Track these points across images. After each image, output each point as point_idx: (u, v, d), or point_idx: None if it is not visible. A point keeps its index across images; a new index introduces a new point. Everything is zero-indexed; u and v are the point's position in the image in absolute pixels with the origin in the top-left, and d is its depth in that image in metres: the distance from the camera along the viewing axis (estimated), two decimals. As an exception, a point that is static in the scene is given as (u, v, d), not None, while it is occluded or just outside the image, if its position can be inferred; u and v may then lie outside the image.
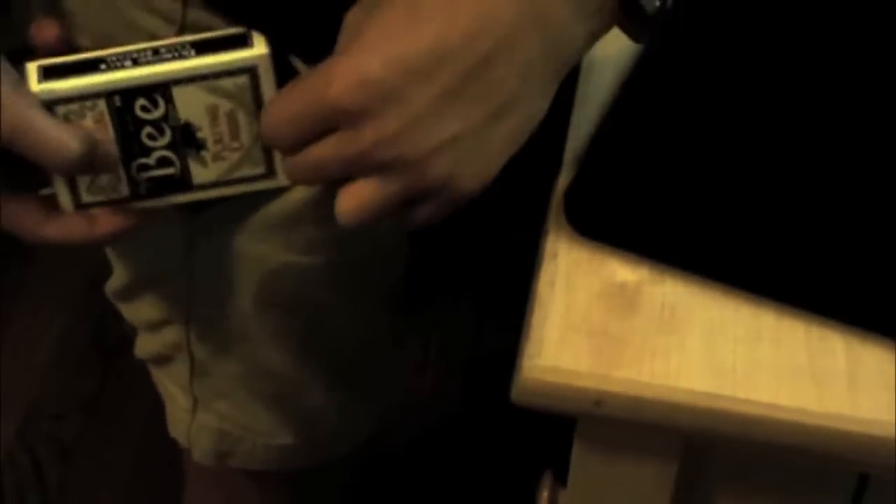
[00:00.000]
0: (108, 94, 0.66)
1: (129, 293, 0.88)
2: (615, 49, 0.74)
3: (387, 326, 0.94)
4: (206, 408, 0.91)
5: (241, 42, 0.68)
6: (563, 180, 0.68)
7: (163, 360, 0.91)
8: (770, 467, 0.65)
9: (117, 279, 0.89)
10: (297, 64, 0.71)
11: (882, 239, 0.65)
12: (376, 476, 1.54)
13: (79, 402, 1.65)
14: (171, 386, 0.92)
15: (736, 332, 0.62)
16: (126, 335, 0.94)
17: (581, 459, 0.65)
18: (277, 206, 0.79)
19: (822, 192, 0.66)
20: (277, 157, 0.69)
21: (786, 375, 0.60)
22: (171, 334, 0.88)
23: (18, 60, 0.67)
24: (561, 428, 0.64)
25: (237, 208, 0.78)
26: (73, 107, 0.66)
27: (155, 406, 0.96)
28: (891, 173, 0.67)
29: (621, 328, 0.62)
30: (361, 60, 0.59)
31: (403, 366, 1.64)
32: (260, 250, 0.81)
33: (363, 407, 0.95)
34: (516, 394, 0.60)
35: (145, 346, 0.92)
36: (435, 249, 0.96)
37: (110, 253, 0.88)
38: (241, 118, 0.68)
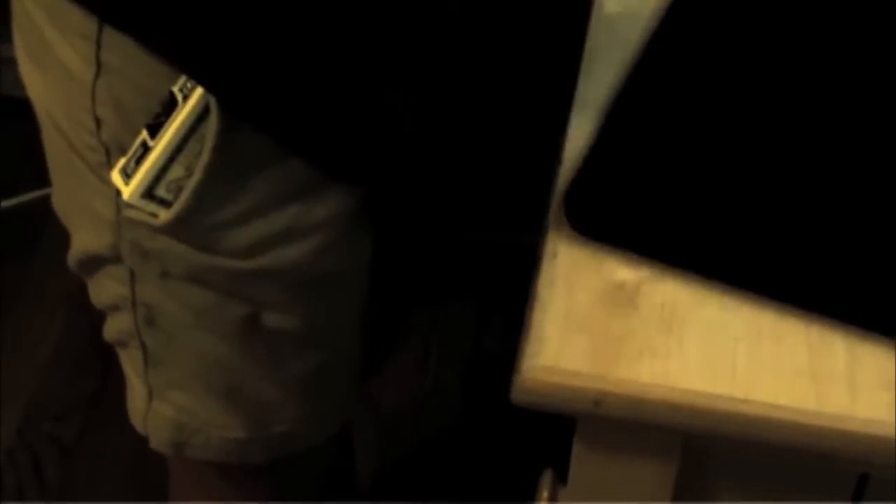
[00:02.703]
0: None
1: (83, 269, 0.89)
2: (615, 48, 0.74)
3: (351, 332, 0.93)
4: (161, 397, 0.91)
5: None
6: (562, 180, 0.68)
7: (121, 344, 0.91)
8: (770, 467, 0.65)
9: (73, 251, 0.89)
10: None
11: (882, 239, 0.65)
12: (376, 476, 1.54)
13: (79, 401, 1.65)
14: (130, 372, 0.92)
15: (736, 332, 0.62)
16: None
17: (581, 459, 0.65)
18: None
19: (821, 192, 0.66)
20: None
21: (786, 375, 0.60)
22: (122, 320, 0.88)
23: None
24: (561, 428, 0.64)
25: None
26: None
27: (155, 406, 0.96)
28: (889, 173, 0.67)
29: (621, 328, 0.62)
30: None
31: (403, 364, 1.64)
32: (192, 237, 0.82)
33: (322, 411, 0.94)
34: (516, 394, 0.60)
35: (107, 328, 0.92)
36: (435, 249, 0.96)
37: (68, 222, 0.88)
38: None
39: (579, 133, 0.70)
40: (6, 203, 1.78)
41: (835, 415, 0.59)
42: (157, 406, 0.91)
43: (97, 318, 0.92)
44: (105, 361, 1.68)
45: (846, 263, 0.64)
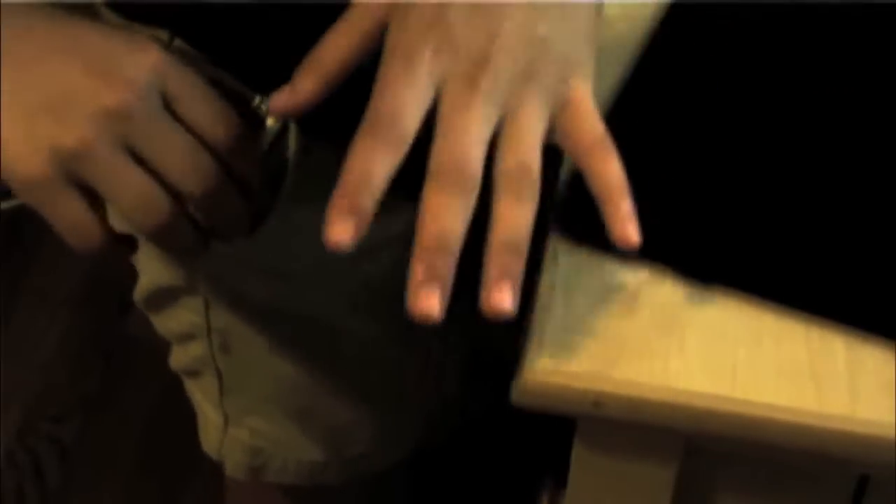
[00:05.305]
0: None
1: (151, 304, 0.88)
2: (614, 51, 0.74)
3: (419, 350, 0.93)
4: (237, 423, 0.90)
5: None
6: (563, 181, 0.68)
7: (193, 373, 0.91)
8: (770, 468, 0.65)
9: (141, 288, 0.88)
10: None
11: (882, 240, 0.65)
12: (391, 471, 1.53)
13: (79, 402, 1.65)
14: (203, 401, 0.92)
15: (736, 334, 0.62)
16: (126, 335, 0.94)
17: (581, 460, 0.65)
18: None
19: (821, 193, 0.66)
20: None
21: (786, 376, 0.60)
22: (196, 349, 0.88)
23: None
24: (561, 429, 0.64)
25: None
26: None
27: (155, 406, 0.96)
28: (890, 175, 0.67)
29: (621, 329, 0.62)
30: None
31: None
32: (265, 263, 0.81)
33: (399, 426, 0.94)
34: (516, 395, 0.60)
35: (177, 358, 0.91)
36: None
37: (134, 260, 0.88)
38: None
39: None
40: (6, 203, 1.77)
41: (835, 416, 0.59)
42: (234, 432, 0.91)
43: (98, 319, 0.93)
44: (105, 362, 1.68)
45: (846, 265, 0.64)
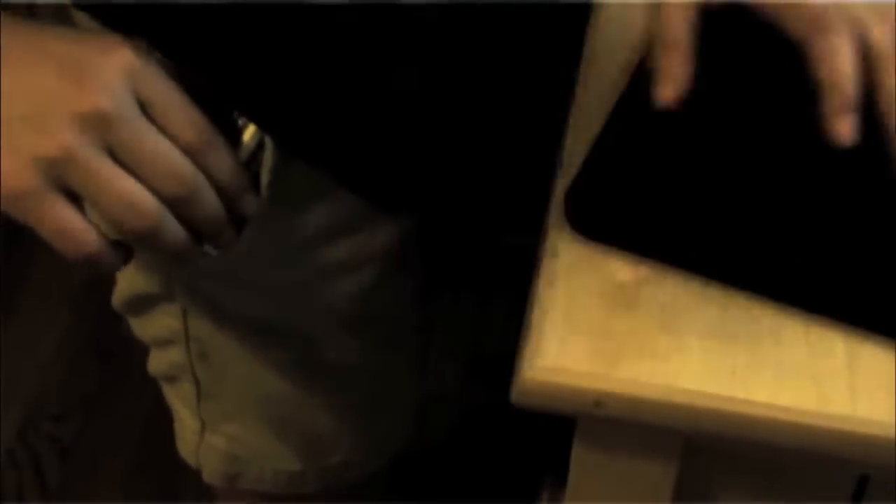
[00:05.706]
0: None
1: (130, 308, 0.88)
2: (615, 49, 0.74)
3: (405, 358, 0.93)
4: (213, 430, 0.90)
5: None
6: (562, 181, 0.68)
7: (171, 379, 0.91)
8: (770, 467, 0.65)
9: (120, 294, 0.88)
10: None
11: (882, 239, 0.65)
12: (374, 477, 1.53)
13: (79, 402, 1.65)
14: (180, 406, 0.92)
15: (736, 333, 0.62)
16: (126, 335, 0.93)
17: (581, 460, 0.65)
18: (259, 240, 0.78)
19: (822, 192, 0.66)
20: None
21: (786, 375, 0.60)
22: (175, 354, 0.87)
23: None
24: (561, 429, 0.64)
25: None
26: None
27: (155, 406, 0.96)
28: (889, 175, 0.67)
29: (621, 328, 0.62)
30: None
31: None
32: (242, 275, 0.81)
33: (381, 433, 0.94)
34: (516, 395, 0.60)
35: (155, 362, 0.91)
36: (434, 250, 0.96)
37: None
38: None
39: (579, 133, 0.70)
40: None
41: (835, 415, 0.59)
42: (210, 439, 0.91)
43: (98, 319, 0.92)
44: (105, 361, 1.68)
45: (846, 264, 0.64)
